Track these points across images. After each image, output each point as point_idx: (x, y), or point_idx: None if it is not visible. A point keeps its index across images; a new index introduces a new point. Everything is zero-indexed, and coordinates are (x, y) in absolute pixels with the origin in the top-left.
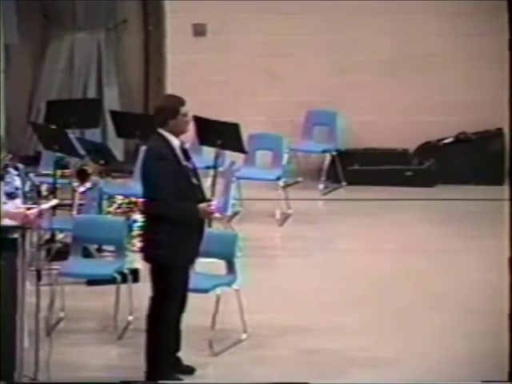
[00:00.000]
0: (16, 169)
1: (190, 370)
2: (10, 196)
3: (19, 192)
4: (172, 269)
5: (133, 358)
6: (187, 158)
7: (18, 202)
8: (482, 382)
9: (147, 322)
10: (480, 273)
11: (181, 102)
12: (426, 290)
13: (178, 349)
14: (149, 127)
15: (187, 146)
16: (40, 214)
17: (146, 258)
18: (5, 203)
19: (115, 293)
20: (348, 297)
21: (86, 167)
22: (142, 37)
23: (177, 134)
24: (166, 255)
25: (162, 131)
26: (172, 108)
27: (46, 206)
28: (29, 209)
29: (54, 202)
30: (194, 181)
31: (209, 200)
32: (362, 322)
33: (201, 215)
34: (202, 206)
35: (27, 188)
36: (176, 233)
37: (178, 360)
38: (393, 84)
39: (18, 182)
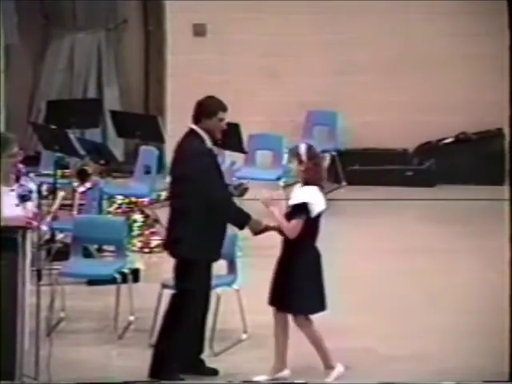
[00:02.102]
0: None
1: (213, 372)
2: (23, 199)
3: (32, 195)
4: (195, 265)
5: (133, 357)
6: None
7: (30, 204)
8: (484, 382)
9: (164, 317)
10: (480, 273)
11: (222, 107)
12: (426, 290)
13: (201, 350)
14: (149, 127)
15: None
16: (38, 215)
17: (171, 254)
18: (17, 205)
19: (115, 293)
20: (348, 297)
21: (86, 167)
22: (142, 37)
23: (208, 134)
24: (190, 251)
25: (196, 128)
26: (211, 108)
27: (55, 206)
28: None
29: (61, 195)
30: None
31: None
32: (362, 321)
33: (252, 225)
34: (256, 219)
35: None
36: (201, 229)
37: (202, 362)
38: (393, 84)
39: (31, 185)
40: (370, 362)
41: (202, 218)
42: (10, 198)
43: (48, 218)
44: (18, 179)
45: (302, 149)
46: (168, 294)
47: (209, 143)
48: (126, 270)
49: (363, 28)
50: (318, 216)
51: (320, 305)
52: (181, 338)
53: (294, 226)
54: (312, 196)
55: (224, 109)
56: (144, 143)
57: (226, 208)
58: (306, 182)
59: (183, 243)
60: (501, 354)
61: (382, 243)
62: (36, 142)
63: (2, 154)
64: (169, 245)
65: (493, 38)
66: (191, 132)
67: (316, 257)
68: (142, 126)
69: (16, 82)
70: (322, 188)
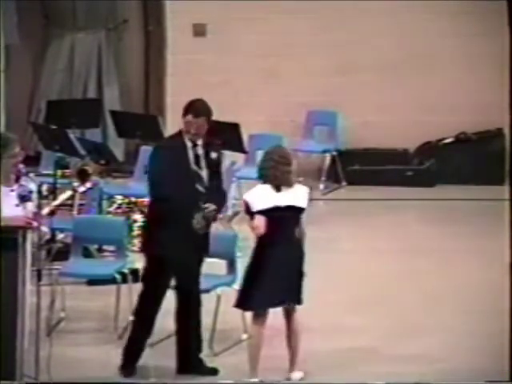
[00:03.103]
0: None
1: (212, 372)
2: (23, 199)
3: (32, 196)
4: (148, 258)
5: None
6: (199, 163)
7: (30, 205)
8: (486, 382)
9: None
10: (480, 273)
11: (186, 109)
12: (426, 290)
13: (199, 349)
14: (149, 127)
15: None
16: (39, 216)
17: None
18: (17, 205)
19: (115, 293)
20: (348, 297)
21: (86, 167)
22: (142, 37)
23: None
24: (145, 243)
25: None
26: (184, 108)
27: (57, 201)
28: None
29: (67, 194)
30: (200, 187)
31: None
32: (362, 321)
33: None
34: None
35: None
36: (160, 227)
37: (201, 361)
38: (393, 84)
39: (32, 185)
40: (370, 362)
41: (159, 216)
42: (11, 198)
43: (45, 210)
44: (18, 179)
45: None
46: (168, 293)
47: (188, 143)
48: (125, 270)
49: (363, 28)
50: (270, 213)
51: (260, 303)
52: (136, 326)
53: (255, 224)
54: (252, 193)
55: (185, 112)
56: (144, 143)
57: (166, 206)
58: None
59: (146, 240)
60: (501, 354)
61: (381, 243)
62: (36, 142)
63: (3, 154)
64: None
65: (493, 38)
66: (178, 131)
67: (272, 254)
68: (142, 126)
69: (16, 82)
70: (276, 188)
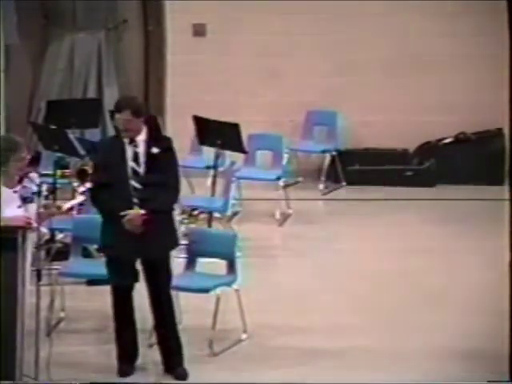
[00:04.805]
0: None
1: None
2: (25, 200)
3: (35, 197)
4: (111, 261)
5: None
6: (137, 159)
7: (32, 207)
8: (487, 381)
9: None
10: (480, 273)
11: (118, 107)
12: (426, 290)
13: (179, 353)
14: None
15: (154, 150)
16: (40, 216)
17: None
18: (19, 207)
19: None
20: (348, 296)
21: (86, 167)
22: (142, 37)
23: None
24: (101, 246)
25: None
26: (115, 106)
27: (68, 204)
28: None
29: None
30: (136, 184)
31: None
32: (362, 321)
33: (126, 220)
34: (132, 212)
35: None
36: (103, 222)
37: (180, 365)
38: (393, 84)
39: (35, 188)
40: (370, 362)
41: (102, 214)
42: (13, 199)
43: (66, 206)
44: (21, 181)
45: None
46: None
47: (125, 139)
48: None
49: (363, 28)
50: None
51: None
52: (118, 330)
53: None
54: None
55: (118, 109)
56: None
57: (99, 202)
58: None
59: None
60: (501, 354)
61: (381, 243)
62: (36, 142)
63: (11, 157)
64: None
65: (492, 38)
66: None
67: None
68: None
69: (16, 82)
70: None
